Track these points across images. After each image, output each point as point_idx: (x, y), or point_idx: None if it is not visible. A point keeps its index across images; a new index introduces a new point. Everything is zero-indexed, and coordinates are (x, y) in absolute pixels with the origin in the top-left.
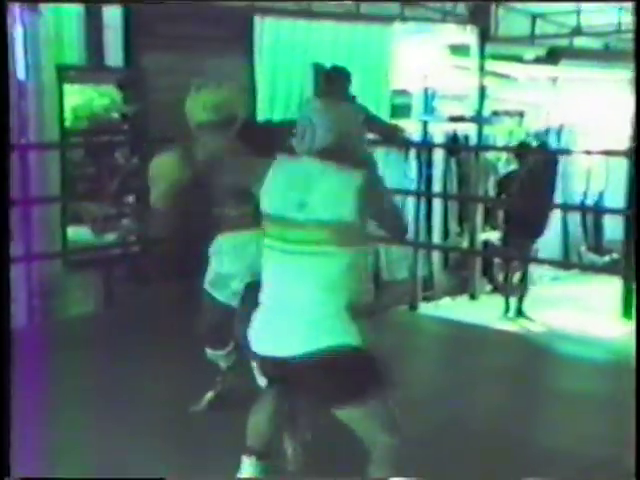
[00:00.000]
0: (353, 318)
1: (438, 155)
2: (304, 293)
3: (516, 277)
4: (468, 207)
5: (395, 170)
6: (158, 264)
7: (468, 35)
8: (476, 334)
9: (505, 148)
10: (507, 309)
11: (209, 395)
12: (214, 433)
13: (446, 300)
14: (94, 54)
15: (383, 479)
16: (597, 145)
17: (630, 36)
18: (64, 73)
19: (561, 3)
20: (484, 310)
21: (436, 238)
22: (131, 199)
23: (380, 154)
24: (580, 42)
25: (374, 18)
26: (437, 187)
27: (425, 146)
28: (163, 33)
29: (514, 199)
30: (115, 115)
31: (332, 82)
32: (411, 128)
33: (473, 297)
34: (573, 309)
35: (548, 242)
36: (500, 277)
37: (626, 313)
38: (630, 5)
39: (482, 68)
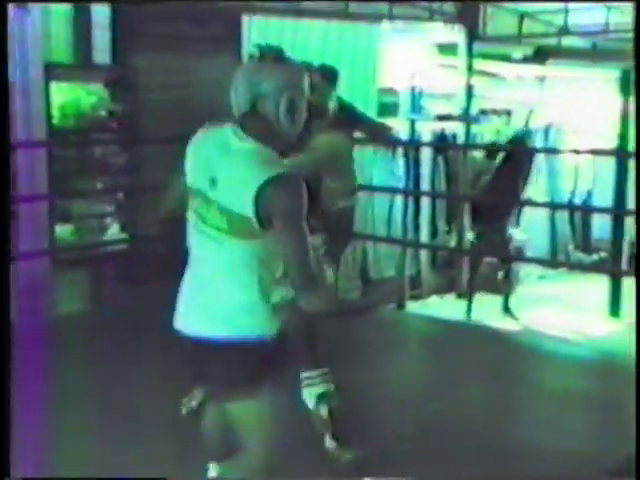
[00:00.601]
0: (251, 311)
1: (426, 154)
2: (212, 276)
3: (500, 274)
4: (456, 205)
5: (383, 169)
6: (148, 263)
7: (456, 34)
8: (463, 332)
9: (493, 146)
10: (469, 309)
11: (198, 393)
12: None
13: (434, 298)
14: (82, 52)
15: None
16: (585, 144)
17: (618, 35)
18: (52, 71)
19: (549, 2)
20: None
21: (424, 236)
22: (120, 197)
23: (368, 153)
24: (568, 41)
25: (362, 17)
26: (425, 186)
27: (413, 145)
28: (151, 32)
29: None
30: (103, 113)
31: (320, 81)
32: (399, 127)
33: (461, 296)
34: (561, 308)
35: (536, 241)
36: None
37: (613, 312)
38: (629, 5)
39: (470, 67)
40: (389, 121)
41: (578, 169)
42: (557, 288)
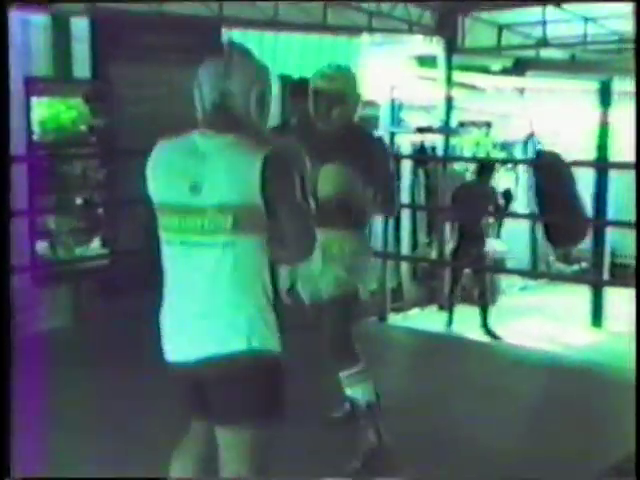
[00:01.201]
0: (267, 319)
1: (406, 166)
2: (210, 288)
3: (475, 293)
4: (436, 218)
5: None
6: (128, 277)
7: (435, 46)
8: (445, 344)
9: (472, 159)
10: (450, 321)
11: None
12: None
13: (415, 311)
14: (61, 66)
15: None
16: (564, 155)
17: (596, 47)
18: (32, 85)
19: (528, 14)
20: (453, 320)
21: (405, 249)
22: (100, 212)
23: None
24: (546, 53)
25: (341, 29)
26: (405, 198)
27: (393, 157)
28: (131, 44)
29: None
30: (83, 128)
31: (299, 93)
32: None
33: (442, 308)
34: (542, 318)
35: (517, 252)
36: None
37: (595, 322)
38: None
39: (449, 79)
40: None
41: None
42: (538, 299)
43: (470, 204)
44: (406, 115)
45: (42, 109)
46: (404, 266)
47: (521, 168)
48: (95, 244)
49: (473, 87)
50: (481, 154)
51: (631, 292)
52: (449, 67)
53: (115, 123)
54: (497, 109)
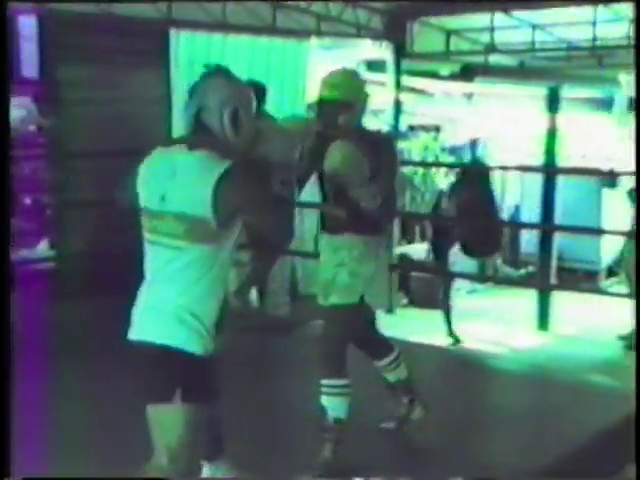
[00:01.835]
0: (198, 323)
1: None
2: (163, 284)
3: (440, 294)
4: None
5: (309, 186)
6: (75, 281)
7: (384, 51)
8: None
9: (421, 163)
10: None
11: None
12: None
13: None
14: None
15: None
16: (512, 160)
17: (545, 54)
18: None
19: (476, 20)
20: (400, 324)
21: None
22: (49, 213)
23: None
24: (495, 59)
25: (290, 32)
26: None
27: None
28: (79, 45)
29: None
30: (32, 128)
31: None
32: None
33: (390, 311)
34: (490, 321)
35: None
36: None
37: (542, 325)
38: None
39: (398, 83)
40: None
41: (505, 185)
42: (486, 302)
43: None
44: None
45: None
46: None
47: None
48: (43, 246)
49: (422, 91)
50: (430, 158)
51: (577, 295)
52: (398, 71)
53: (64, 124)
54: (446, 113)
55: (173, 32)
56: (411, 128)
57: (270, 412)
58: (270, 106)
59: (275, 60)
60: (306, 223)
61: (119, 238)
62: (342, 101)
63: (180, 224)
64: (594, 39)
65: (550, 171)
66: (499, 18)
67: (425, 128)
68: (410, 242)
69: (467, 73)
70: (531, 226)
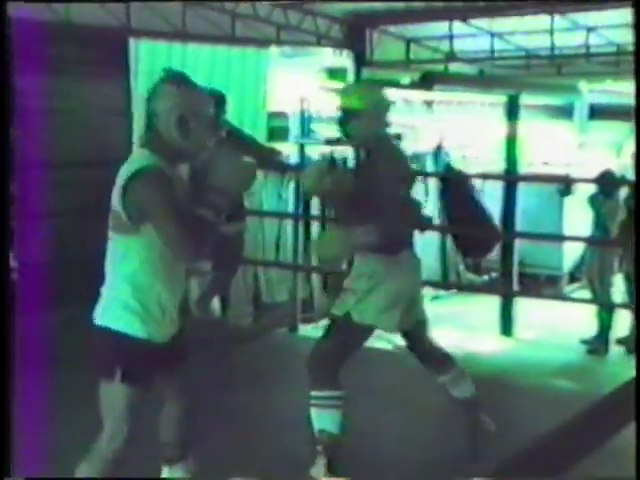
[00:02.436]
0: (142, 310)
1: None
2: (107, 270)
3: None
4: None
5: (272, 193)
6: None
7: (344, 59)
8: (355, 354)
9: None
10: None
11: None
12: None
13: (326, 321)
14: None
15: None
16: (473, 167)
17: (504, 62)
18: None
19: (435, 28)
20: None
21: (315, 260)
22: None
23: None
24: (455, 67)
25: (250, 41)
26: (315, 209)
27: (302, 169)
28: (38, 54)
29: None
30: None
31: None
32: (288, 151)
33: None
34: (454, 327)
35: (427, 262)
36: None
37: (505, 330)
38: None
39: None
40: (279, 145)
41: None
42: (449, 308)
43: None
44: (316, 126)
45: None
46: (315, 277)
47: (431, 180)
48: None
49: None
50: None
51: (539, 302)
52: (358, 80)
53: (24, 135)
54: (406, 121)
55: (132, 41)
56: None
57: (234, 420)
58: (230, 115)
59: (235, 69)
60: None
61: (82, 247)
62: (350, 109)
63: (111, 215)
64: (552, 48)
65: (511, 178)
66: (458, 26)
67: None
68: None
69: (427, 81)
70: (494, 233)
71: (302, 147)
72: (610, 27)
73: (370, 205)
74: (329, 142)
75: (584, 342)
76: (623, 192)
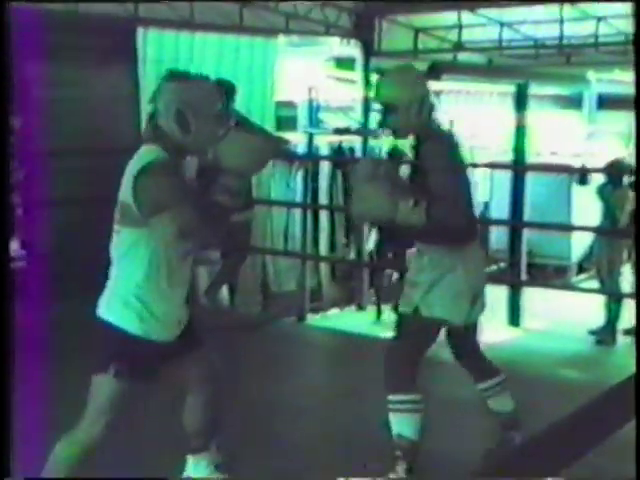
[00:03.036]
0: (142, 308)
1: (324, 167)
2: (114, 269)
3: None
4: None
5: (280, 182)
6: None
7: (352, 49)
8: (363, 344)
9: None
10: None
11: None
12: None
13: (334, 311)
14: None
15: None
16: (481, 157)
17: (512, 52)
18: None
19: (444, 18)
20: (372, 320)
21: (323, 250)
22: (19, 213)
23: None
24: (463, 57)
25: (258, 30)
26: (323, 199)
27: (310, 158)
28: (46, 43)
29: None
30: None
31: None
32: (297, 140)
33: (361, 307)
34: None
35: None
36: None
37: (513, 320)
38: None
39: (367, 81)
40: (287, 134)
41: (475, 181)
42: None
43: None
44: (324, 116)
45: None
46: (323, 266)
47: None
48: (13, 246)
49: None
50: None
51: (547, 292)
52: (367, 69)
53: (31, 123)
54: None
55: (140, 30)
56: (380, 126)
57: (242, 409)
58: (239, 105)
59: (243, 58)
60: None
61: (90, 237)
62: (386, 102)
63: (118, 209)
64: (561, 37)
65: (519, 168)
66: (467, 16)
67: None
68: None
69: (435, 71)
70: (501, 223)
71: (311, 136)
72: (619, 17)
73: (430, 198)
74: (338, 131)
75: (592, 333)
76: (632, 182)
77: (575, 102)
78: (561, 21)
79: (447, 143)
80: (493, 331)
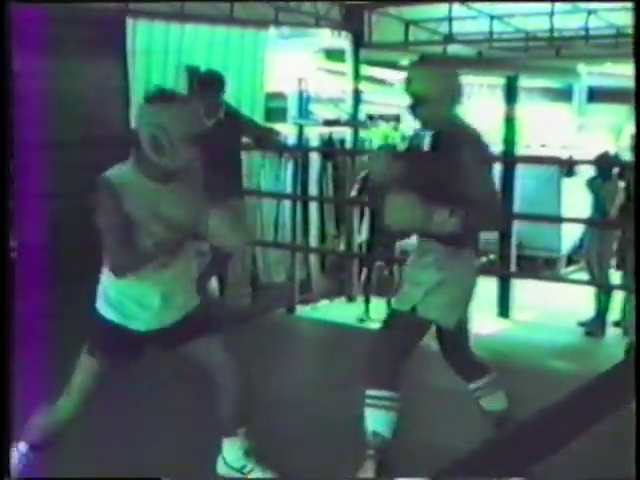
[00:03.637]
0: (110, 294)
1: (314, 158)
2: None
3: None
4: (344, 210)
5: (270, 174)
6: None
7: (343, 40)
8: (352, 335)
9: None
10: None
11: None
12: None
13: (324, 302)
14: None
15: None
16: None
17: (502, 44)
18: None
19: (434, 10)
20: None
21: (313, 241)
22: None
23: (255, 158)
24: (453, 49)
25: (248, 22)
26: (313, 190)
27: (300, 149)
28: (34, 35)
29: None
30: None
31: (206, 86)
32: (286, 131)
33: (350, 299)
34: None
35: None
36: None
37: (502, 312)
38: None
39: (357, 73)
40: (277, 126)
41: None
42: None
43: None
44: (314, 108)
45: None
46: (313, 258)
47: None
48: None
49: (382, 81)
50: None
51: (537, 284)
52: (357, 61)
53: (19, 116)
54: (406, 103)
55: (130, 21)
56: (370, 118)
57: None
58: (228, 96)
59: (233, 50)
60: None
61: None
62: (416, 94)
63: None
64: (552, 30)
65: (509, 160)
66: (457, 8)
67: (385, 118)
68: None
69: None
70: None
71: (301, 128)
72: (610, 10)
73: (450, 194)
74: (328, 123)
75: (582, 324)
76: (621, 174)
77: (565, 95)
78: (552, 14)
79: (477, 141)
80: (483, 323)
